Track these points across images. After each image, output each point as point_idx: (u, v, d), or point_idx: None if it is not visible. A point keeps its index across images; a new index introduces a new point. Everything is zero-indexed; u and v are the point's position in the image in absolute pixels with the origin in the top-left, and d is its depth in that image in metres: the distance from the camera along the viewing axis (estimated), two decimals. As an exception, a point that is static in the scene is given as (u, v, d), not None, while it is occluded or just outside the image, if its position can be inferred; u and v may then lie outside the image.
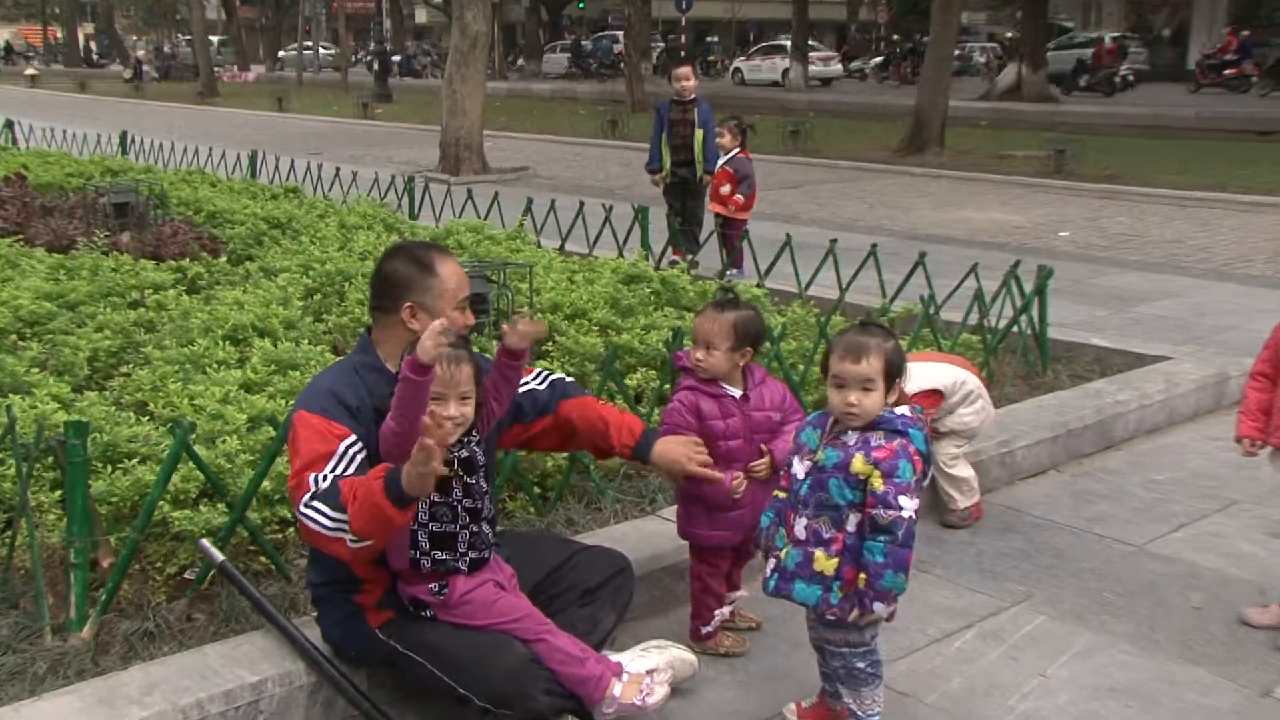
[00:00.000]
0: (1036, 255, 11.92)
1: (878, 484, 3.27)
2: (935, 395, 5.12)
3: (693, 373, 3.97)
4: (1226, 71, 37.84)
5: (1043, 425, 6.18)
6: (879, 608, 3.33)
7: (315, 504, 3.17)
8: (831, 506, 3.34)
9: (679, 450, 3.84)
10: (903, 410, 3.35)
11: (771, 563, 3.49)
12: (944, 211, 15.80)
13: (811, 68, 45.09)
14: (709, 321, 3.92)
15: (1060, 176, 18.97)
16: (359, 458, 3.27)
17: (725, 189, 10.93)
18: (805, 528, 3.39)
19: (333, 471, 3.21)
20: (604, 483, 5.12)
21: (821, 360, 3.45)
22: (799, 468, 3.44)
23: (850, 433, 3.35)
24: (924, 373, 5.10)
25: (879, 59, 52.22)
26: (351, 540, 3.11)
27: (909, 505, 3.25)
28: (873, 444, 3.31)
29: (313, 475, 3.22)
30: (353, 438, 3.28)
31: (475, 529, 3.39)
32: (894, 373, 3.35)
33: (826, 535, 3.35)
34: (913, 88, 29.54)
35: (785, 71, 45.46)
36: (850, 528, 3.33)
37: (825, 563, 3.35)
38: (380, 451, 3.24)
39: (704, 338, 3.92)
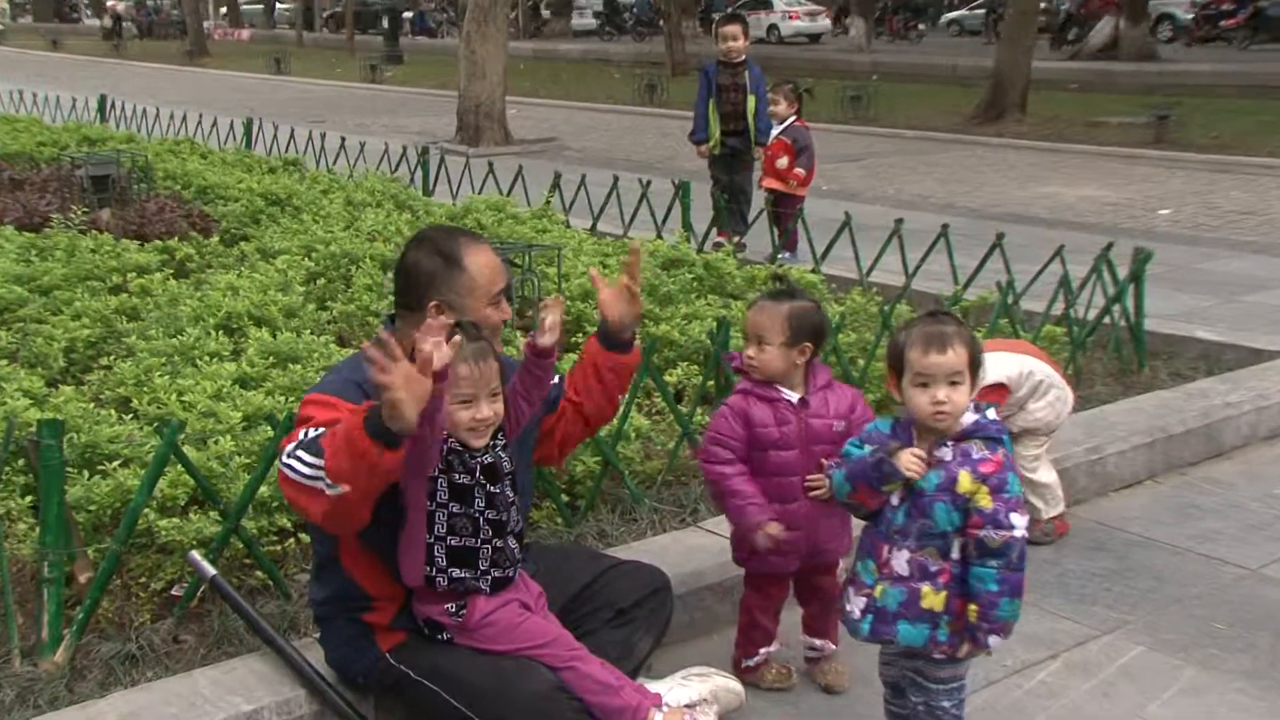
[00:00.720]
0: (1132, 237, 11.83)
1: (986, 502, 3.23)
2: (1000, 390, 4.99)
3: (747, 375, 3.96)
4: (1223, 23, 37.70)
5: (1138, 430, 6.13)
6: (994, 641, 3.29)
7: (298, 453, 3.20)
8: (937, 535, 3.28)
9: (607, 293, 3.86)
10: (989, 412, 3.32)
11: (861, 602, 3.40)
12: (1025, 187, 15.72)
13: (796, 23, 46.13)
14: (761, 314, 3.91)
15: (1162, 146, 18.77)
16: None
17: (783, 162, 10.90)
18: (909, 562, 3.32)
19: (329, 426, 3.23)
20: (640, 490, 5.13)
21: (890, 361, 3.38)
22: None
23: (944, 446, 3.29)
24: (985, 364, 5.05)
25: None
26: (328, 486, 3.09)
27: (1020, 523, 3.22)
28: (974, 456, 3.26)
29: (305, 430, 3.25)
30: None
31: (499, 544, 3.40)
32: (977, 364, 3.33)
33: (934, 568, 3.30)
34: (914, 46, 29.22)
35: (770, 28, 46.04)
36: (955, 555, 3.29)
37: (933, 598, 3.29)
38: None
39: (755, 332, 3.90)
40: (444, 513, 3.34)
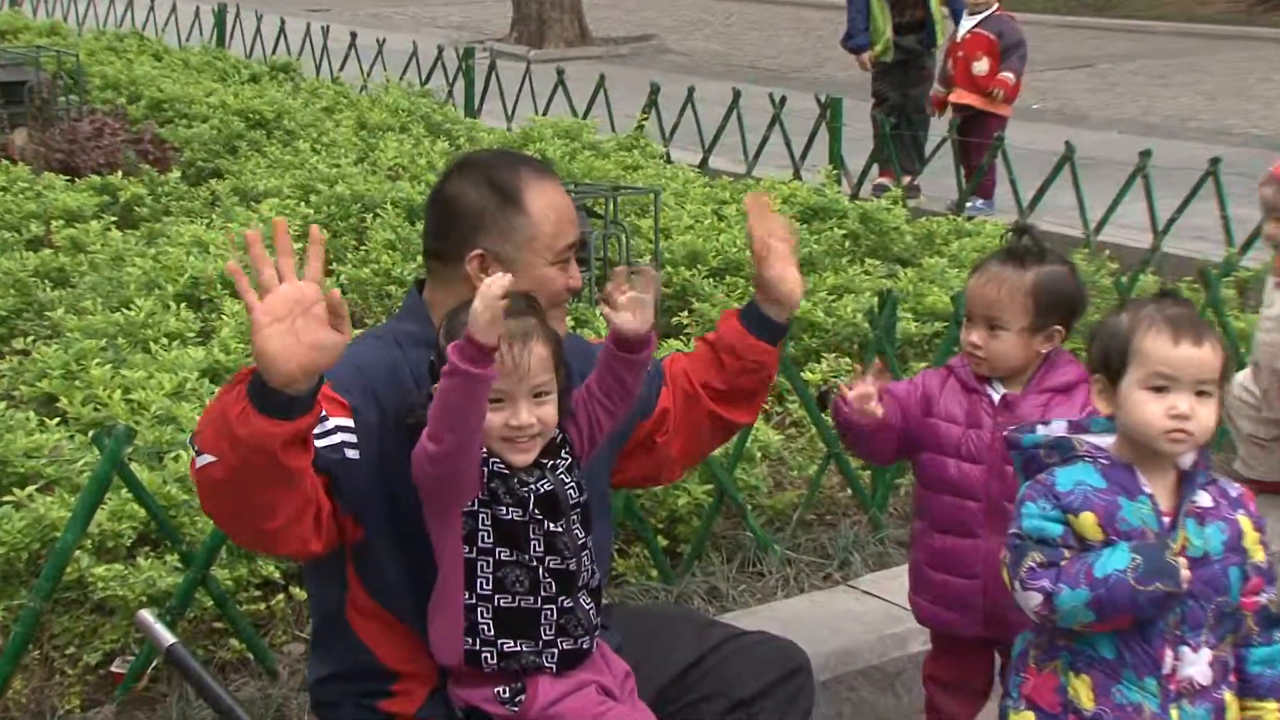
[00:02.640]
0: None
1: (1260, 554, 3.19)
2: None
3: (959, 366, 3.99)
4: None
5: None
6: None
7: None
8: (1231, 614, 3.22)
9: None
10: None
11: None
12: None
13: None
14: (992, 283, 3.88)
15: None
16: (344, 448, 3.30)
17: (981, 66, 10.84)
18: (1212, 664, 3.23)
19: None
20: (768, 533, 5.14)
21: (1100, 354, 3.22)
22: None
23: (1198, 489, 3.19)
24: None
25: None
26: (195, 450, 3.10)
27: None
28: (1233, 493, 3.22)
29: None
30: (348, 420, 3.31)
31: (568, 604, 3.39)
32: (1228, 374, 3.25)
33: (1232, 664, 3.26)
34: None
35: None
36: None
37: (1234, 706, 3.25)
38: (415, 478, 3.27)
39: (984, 310, 3.89)
40: (488, 561, 3.34)
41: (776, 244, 3.67)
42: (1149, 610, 3.08)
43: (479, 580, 3.34)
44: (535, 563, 3.35)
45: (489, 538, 3.32)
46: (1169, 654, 3.15)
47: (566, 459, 3.40)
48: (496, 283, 3.01)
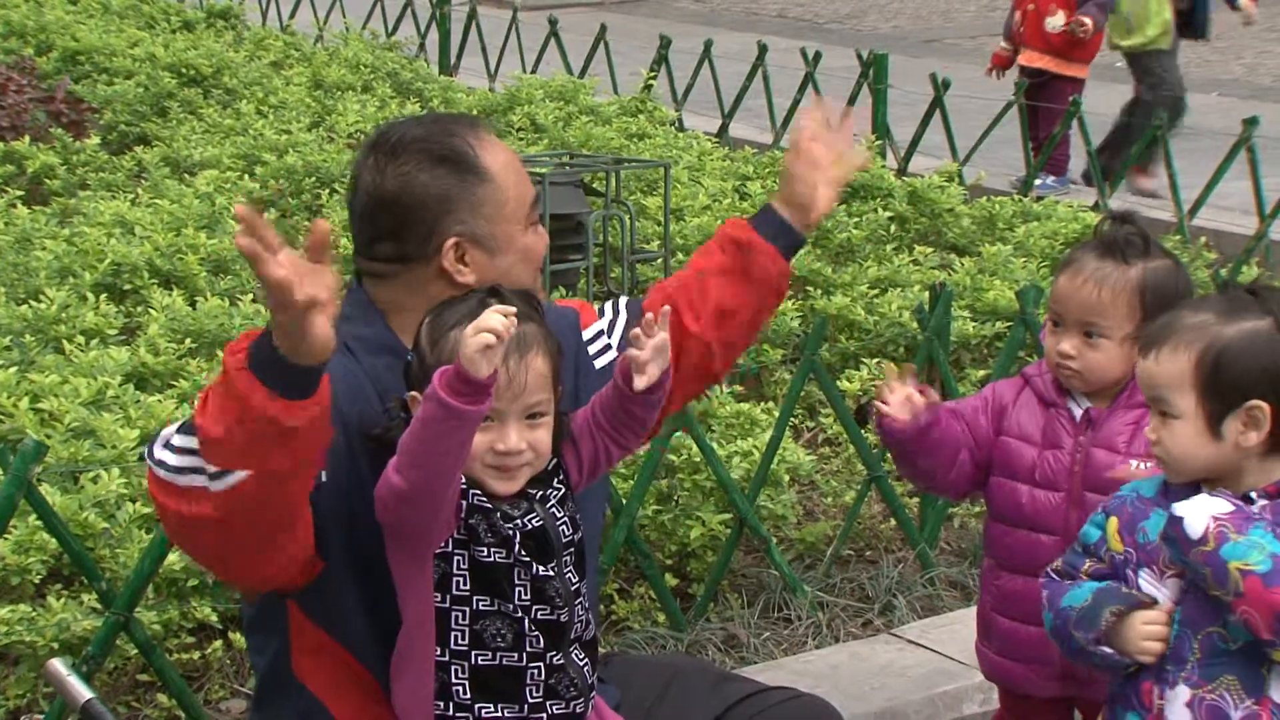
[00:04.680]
0: None
1: None
2: None
3: (1036, 375, 3.99)
4: None
5: None
6: None
7: (169, 436, 3.17)
8: (1228, 651, 3.25)
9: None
10: None
11: None
12: None
13: None
14: (1092, 283, 3.85)
15: None
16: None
17: (1056, 21, 10.85)
18: (1192, 703, 3.27)
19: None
20: (796, 570, 5.13)
21: (1202, 364, 3.23)
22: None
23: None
24: None
25: None
26: (211, 475, 3.08)
27: None
28: None
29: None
30: None
31: (558, 660, 3.38)
32: None
33: (1237, 713, 3.26)
34: None
35: None
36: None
37: None
38: (378, 515, 3.25)
39: (1081, 315, 3.86)
40: (464, 612, 3.32)
41: (818, 149, 3.67)
42: (1092, 661, 3.30)
43: (453, 634, 3.32)
44: (520, 613, 3.33)
45: (465, 583, 3.30)
46: (1155, 690, 3.29)
47: (559, 489, 3.37)
48: (496, 319, 2.99)
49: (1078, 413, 3.91)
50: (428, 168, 3.54)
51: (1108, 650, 3.25)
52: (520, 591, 3.32)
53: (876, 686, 4.56)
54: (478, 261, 3.49)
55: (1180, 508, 3.13)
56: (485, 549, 3.27)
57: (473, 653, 3.34)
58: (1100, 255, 3.85)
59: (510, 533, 3.27)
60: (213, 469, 3.03)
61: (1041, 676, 3.98)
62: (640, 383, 3.31)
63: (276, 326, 2.91)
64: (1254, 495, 3.21)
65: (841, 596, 5.08)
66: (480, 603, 3.31)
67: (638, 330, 3.31)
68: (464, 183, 3.53)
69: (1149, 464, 3.81)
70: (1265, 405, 3.22)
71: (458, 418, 3.04)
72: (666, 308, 3.43)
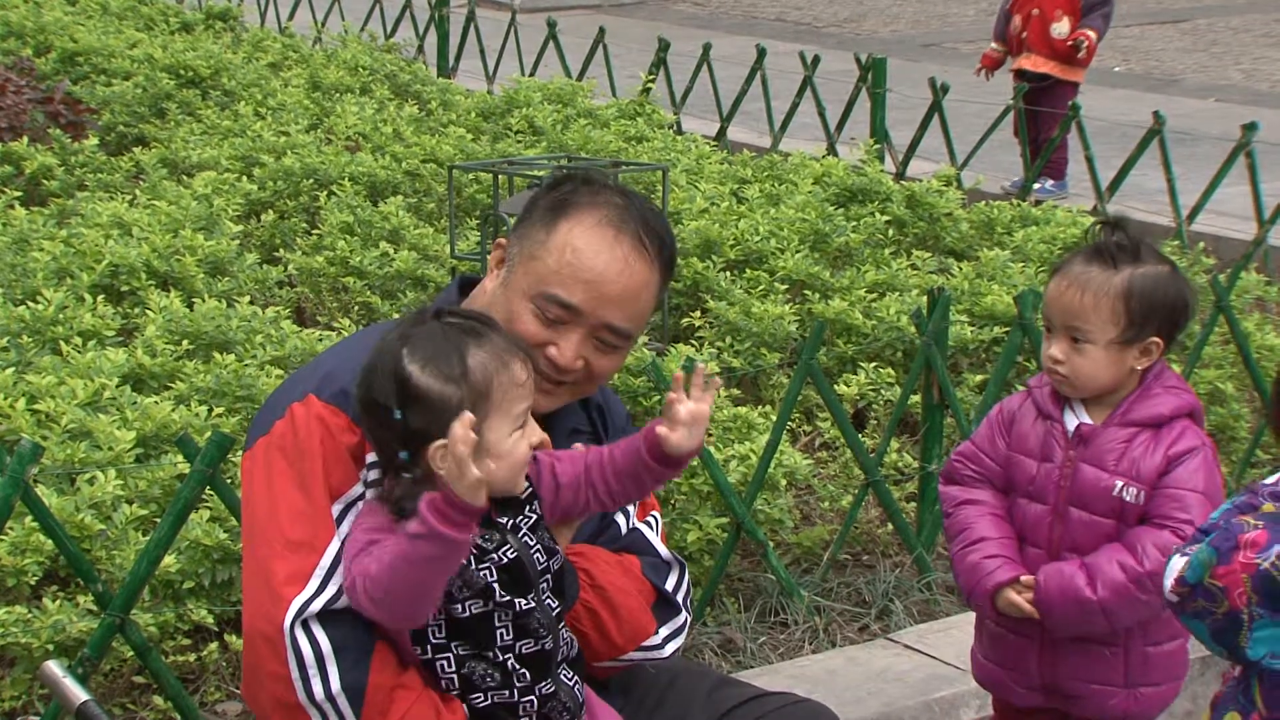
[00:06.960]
0: None
1: None
2: None
3: (1038, 386, 4.00)
4: None
5: None
6: None
7: (310, 623, 3.18)
8: None
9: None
10: None
11: None
12: None
13: None
14: (1075, 288, 3.86)
15: None
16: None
17: (1062, 27, 10.85)
18: None
19: (328, 603, 3.21)
20: (793, 575, 5.13)
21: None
22: None
23: None
24: None
25: None
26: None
27: None
28: None
29: (298, 596, 3.22)
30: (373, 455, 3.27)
31: (548, 688, 3.36)
32: None
33: None
34: None
35: None
36: None
37: None
38: (351, 604, 3.24)
39: (1066, 320, 3.87)
40: (448, 660, 3.31)
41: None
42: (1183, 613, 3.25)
43: (442, 681, 3.32)
44: (504, 654, 3.31)
45: (441, 632, 3.28)
46: None
47: (530, 517, 3.33)
48: (464, 435, 2.99)
49: (1070, 426, 3.91)
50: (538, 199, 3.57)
51: None
52: (502, 633, 3.30)
53: (873, 691, 4.56)
54: (515, 301, 3.45)
55: None
56: (461, 606, 3.25)
57: (468, 696, 3.34)
58: (1087, 260, 3.87)
59: (486, 577, 3.24)
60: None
61: (1022, 684, 3.99)
62: (672, 441, 3.30)
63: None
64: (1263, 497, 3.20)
65: (838, 601, 5.08)
66: (459, 648, 3.30)
67: (672, 396, 3.29)
68: (539, 216, 3.50)
69: (1135, 488, 3.84)
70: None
71: (446, 545, 3.05)
72: (701, 365, 3.42)
